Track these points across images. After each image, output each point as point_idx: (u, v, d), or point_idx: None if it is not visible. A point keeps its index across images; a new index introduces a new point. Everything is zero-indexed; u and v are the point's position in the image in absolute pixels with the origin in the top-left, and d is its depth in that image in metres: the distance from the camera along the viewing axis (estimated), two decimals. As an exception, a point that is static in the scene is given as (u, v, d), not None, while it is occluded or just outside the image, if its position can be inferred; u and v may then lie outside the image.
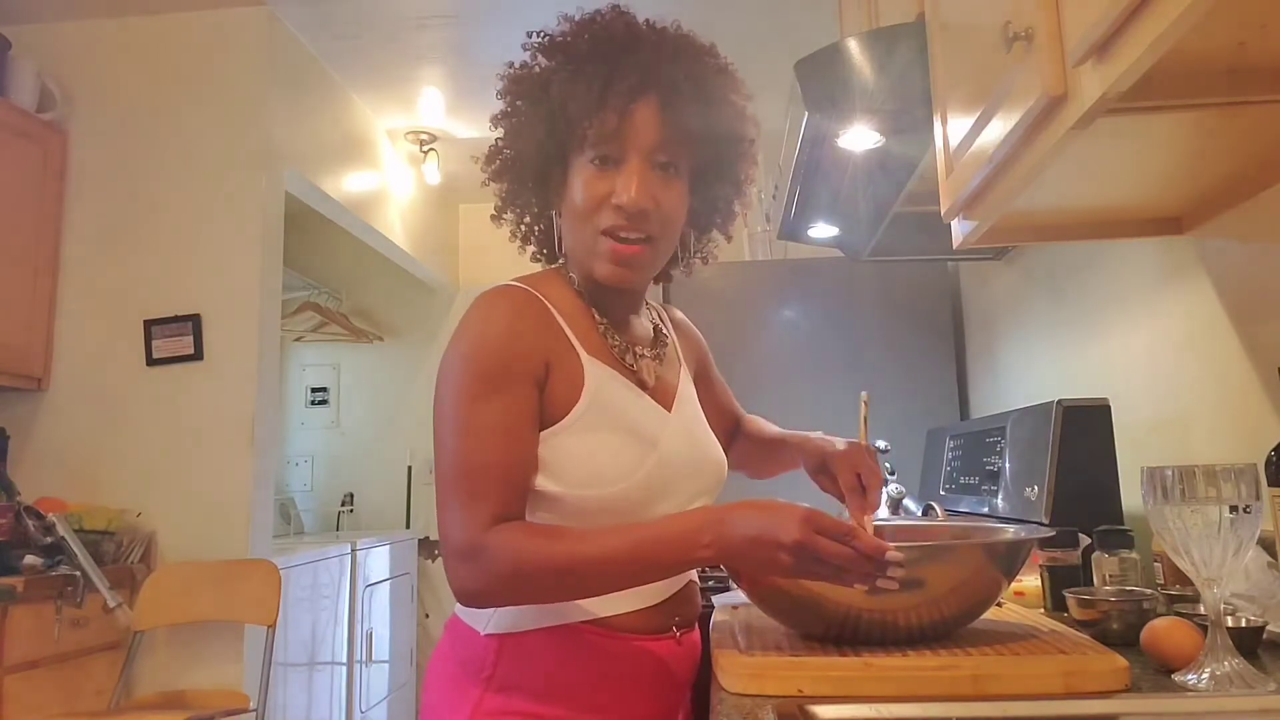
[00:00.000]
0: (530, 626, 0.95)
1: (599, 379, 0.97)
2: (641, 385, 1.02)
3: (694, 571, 1.02)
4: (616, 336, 1.03)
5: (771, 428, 1.27)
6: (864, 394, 1.14)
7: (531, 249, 1.11)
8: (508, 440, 0.91)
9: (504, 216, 1.09)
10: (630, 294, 1.07)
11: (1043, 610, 1.18)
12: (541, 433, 0.94)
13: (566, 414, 0.95)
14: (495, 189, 1.07)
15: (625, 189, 0.95)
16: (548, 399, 0.95)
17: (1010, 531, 1.04)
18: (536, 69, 1.01)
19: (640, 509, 0.95)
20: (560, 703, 0.95)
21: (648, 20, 1.01)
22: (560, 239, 1.06)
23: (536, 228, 1.09)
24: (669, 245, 1.03)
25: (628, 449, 0.96)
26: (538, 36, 1.01)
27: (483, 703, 0.95)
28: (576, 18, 1.01)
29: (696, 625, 1.06)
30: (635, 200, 0.95)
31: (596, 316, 1.03)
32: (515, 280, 1.01)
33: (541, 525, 0.92)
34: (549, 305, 0.99)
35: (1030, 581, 1.24)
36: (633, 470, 0.95)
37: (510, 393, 0.92)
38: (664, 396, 1.05)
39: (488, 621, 0.96)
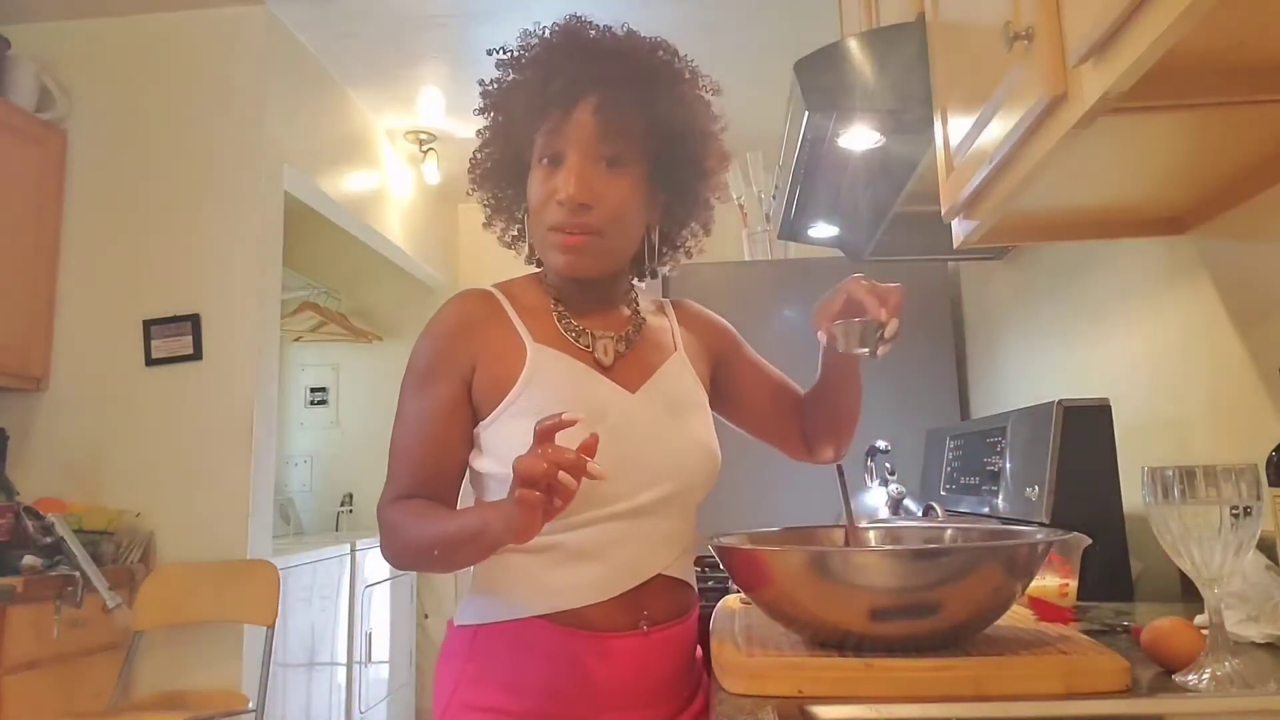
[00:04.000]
0: (490, 620, 1.00)
1: (540, 361, 1.02)
2: (598, 366, 1.05)
3: (662, 566, 1.03)
4: (573, 321, 1.07)
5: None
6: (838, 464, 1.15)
7: (525, 253, 1.14)
8: (424, 430, 1.01)
9: (493, 223, 1.15)
10: (598, 286, 1.09)
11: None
12: (485, 418, 1.02)
13: (504, 397, 1.01)
14: (480, 197, 1.14)
15: (564, 185, 0.99)
16: (486, 388, 1.02)
17: (1040, 538, 0.93)
18: (503, 82, 1.07)
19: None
20: (523, 695, 0.98)
21: (598, 25, 1.04)
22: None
23: (518, 230, 1.14)
24: (622, 236, 1.04)
25: None
26: (499, 53, 1.07)
27: (456, 694, 1.00)
28: (534, 31, 1.06)
29: (679, 622, 1.05)
30: (572, 195, 0.99)
31: (554, 307, 1.08)
32: (496, 284, 1.10)
33: (418, 503, 1.00)
34: (505, 302, 1.06)
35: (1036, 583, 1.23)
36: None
37: (434, 389, 1.02)
38: (629, 378, 1.06)
39: (460, 614, 1.03)
